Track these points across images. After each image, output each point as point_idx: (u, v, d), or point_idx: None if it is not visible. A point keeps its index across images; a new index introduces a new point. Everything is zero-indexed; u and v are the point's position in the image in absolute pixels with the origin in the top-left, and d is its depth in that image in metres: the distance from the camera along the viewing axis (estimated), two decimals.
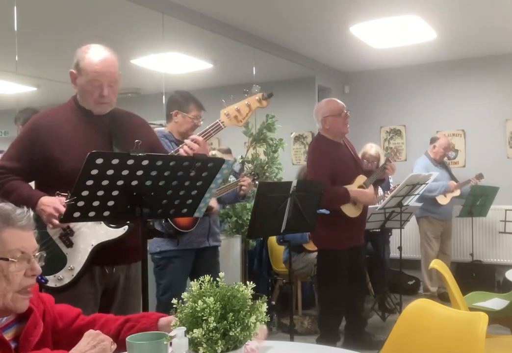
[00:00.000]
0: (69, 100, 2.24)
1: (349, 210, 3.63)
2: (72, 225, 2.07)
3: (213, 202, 3.13)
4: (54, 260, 2.05)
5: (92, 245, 2.09)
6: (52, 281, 2.06)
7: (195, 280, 1.27)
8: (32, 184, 2.23)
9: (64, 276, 2.06)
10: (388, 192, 4.92)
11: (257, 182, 3.36)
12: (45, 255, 1.40)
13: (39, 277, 2.03)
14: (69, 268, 2.06)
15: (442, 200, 5.35)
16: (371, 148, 5.06)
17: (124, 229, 2.13)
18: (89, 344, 1.32)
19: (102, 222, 2.11)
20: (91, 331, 1.37)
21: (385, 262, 5.00)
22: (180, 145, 2.40)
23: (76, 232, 2.09)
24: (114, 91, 2.18)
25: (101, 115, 2.21)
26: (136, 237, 2.23)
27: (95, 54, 2.12)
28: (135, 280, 2.29)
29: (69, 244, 2.08)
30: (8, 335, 1.35)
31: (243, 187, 3.35)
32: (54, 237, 2.08)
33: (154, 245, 3.04)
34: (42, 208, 2.00)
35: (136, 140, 2.24)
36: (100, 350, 1.32)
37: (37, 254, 1.38)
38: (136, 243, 2.28)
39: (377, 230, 4.68)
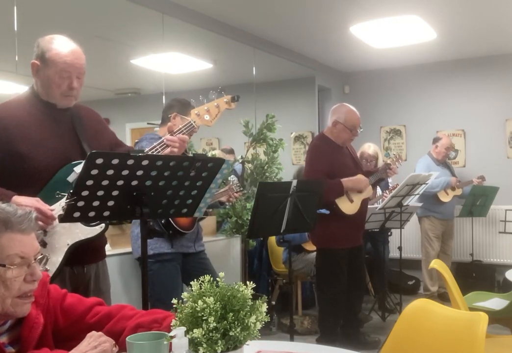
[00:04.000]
0: (25, 93, 2.14)
1: (346, 207, 3.63)
2: None
3: None
4: None
5: (68, 244, 2.02)
6: None
7: (195, 280, 1.27)
8: None
9: None
10: (387, 191, 4.92)
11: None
12: (48, 257, 1.36)
13: None
14: (45, 269, 1.99)
15: (444, 197, 5.34)
16: (369, 148, 5.06)
17: (101, 227, 2.09)
18: (90, 344, 1.31)
19: None
20: (93, 332, 1.36)
21: (385, 262, 5.00)
22: (159, 142, 2.19)
23: (50, 232, 2.00)
24: (81, 83, 2.11)
25: (63, 109, 2.13)
26: (102, 236, 2.21)
27: (63, 45, 2.06)
28: (103, 278, 2.27)
29: (43, 245, 1.96)
30: (4, 339, 1.34)
31: (231, 199, 3.35)
32: None
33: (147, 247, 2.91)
34: None
35: (136, 140, 2.24)
36: (100, 351, 1.31)
37: (39, 257, 1.34)
38: (102, 243, 2.27)
39: (376, 230, 4.68)
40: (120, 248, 3.28)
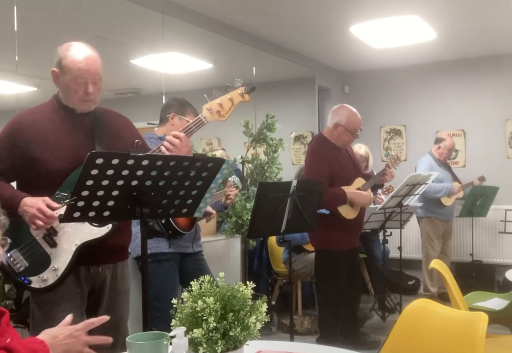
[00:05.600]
0: (50, 99, 2.22)
1: (346, 212, 3.63)
2: (55, 225, 2.04)
3: (209, 208, 3.11)
4: (38, 260, 2.03)
5: (76, 244, 2.07)
6: (36, 282, 2.03)
7: (195, 280, 1.27)
8: (13, 184, 2.19)
9: (48, 277, 2.04)
10: (380, 193, 4.92)
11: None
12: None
13: (22, 278, 2.01)
14: (53, 268, 2.04)
15: (447, 201, 5.33)
16: (360, 149, 5.05)
17: (108, 227, 2.11)
18: (64, 334, 1.34)
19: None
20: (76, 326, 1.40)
21: (378, 261, 4.98)
22: (161, 142, 2.24)
23: (60, 232, 2.05)
24: (98, 88, 2.15)
25: (83, 113, 2.18)
26: (121, 236, 2.25)
27: (78, 52, 2.10)
28: (121, 279, 2.29)
29: (53, 244, 2.05)
30: None
31: (230, 197, 3.32)
32: (37, 237, 2.04)
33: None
34: (25, 209, 1.97)
35: (136, 140, 2.24)
36: (72, 343, 1.33)
37: None
38: (122, 242, 2.30)
39: (367, 231, 4.67)
40: None
